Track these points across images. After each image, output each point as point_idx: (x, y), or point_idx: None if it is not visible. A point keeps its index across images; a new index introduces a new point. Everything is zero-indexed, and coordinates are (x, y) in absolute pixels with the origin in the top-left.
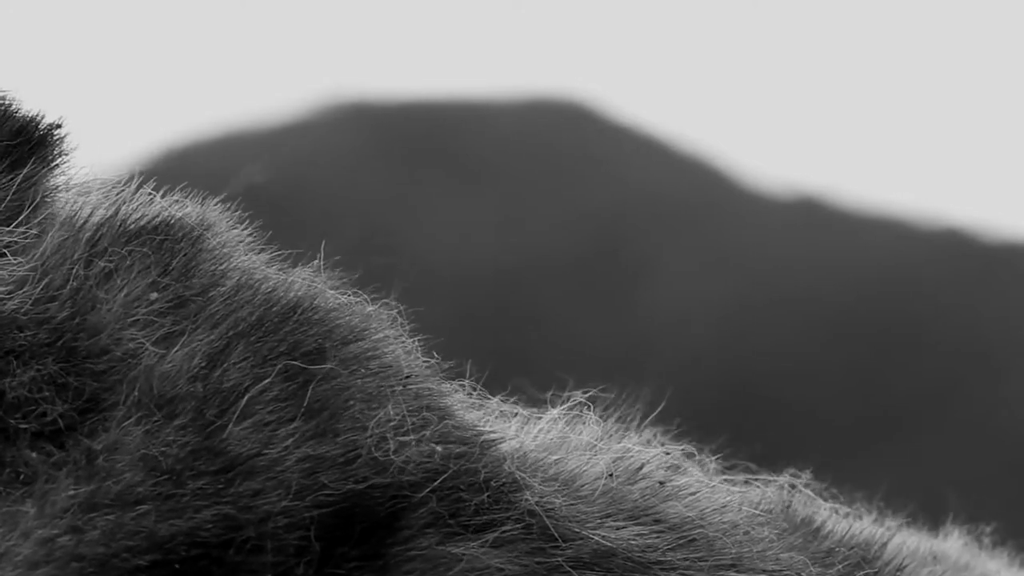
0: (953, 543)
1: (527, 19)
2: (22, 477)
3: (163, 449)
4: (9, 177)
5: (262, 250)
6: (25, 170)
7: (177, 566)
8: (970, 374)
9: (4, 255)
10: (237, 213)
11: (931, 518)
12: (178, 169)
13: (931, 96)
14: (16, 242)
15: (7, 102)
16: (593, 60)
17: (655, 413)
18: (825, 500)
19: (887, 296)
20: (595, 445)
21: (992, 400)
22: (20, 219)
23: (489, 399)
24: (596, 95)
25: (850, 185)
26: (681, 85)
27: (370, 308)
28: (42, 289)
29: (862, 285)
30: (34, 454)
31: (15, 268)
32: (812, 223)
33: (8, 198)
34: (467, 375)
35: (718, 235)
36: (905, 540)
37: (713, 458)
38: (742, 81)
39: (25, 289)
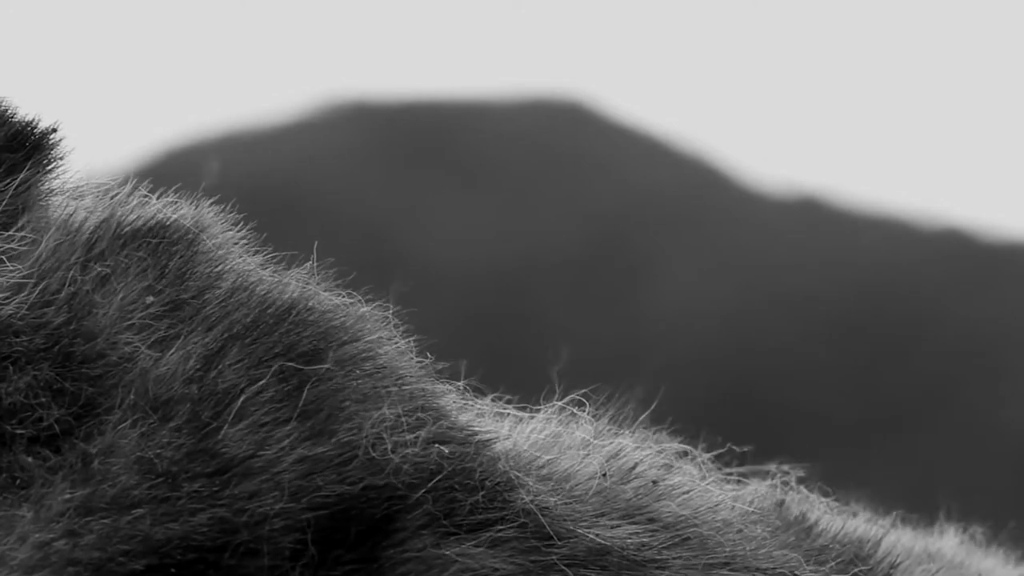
0: (948, 541)
1: (527, 19)
2: (18, 482)
3: (158, 451)
4: (5, 182)
5: (257, 252)
6: (21, 175)
7: (173, 570)
8: (970, 374)
9: (1, 261)
10: (232, 214)
11: (930, 517)
12: (178, 169)
13: (931, 96)
14: (13, 248)
15: (3, 107)
16: (593, 60)
17: (650, 412)
18: (819, 498)
19: (887, 296)
20: (588, 444)
21: (991, 400)
22: (17, 225)
23: (482, 399)
24: (596, 95)
25: (850, 185)
26: (681, 85)
27: (364, 309)
28: (38, 294)
29: (862, 285)
30: (30, 459)
31: (12, 274)
32: (812, 223)
33: (4, 203)
34: (461, 375)
35: (718, 235)
36: (899, 538)
37: (709, 457)
38: (742, 81)
39: (21, 294)
